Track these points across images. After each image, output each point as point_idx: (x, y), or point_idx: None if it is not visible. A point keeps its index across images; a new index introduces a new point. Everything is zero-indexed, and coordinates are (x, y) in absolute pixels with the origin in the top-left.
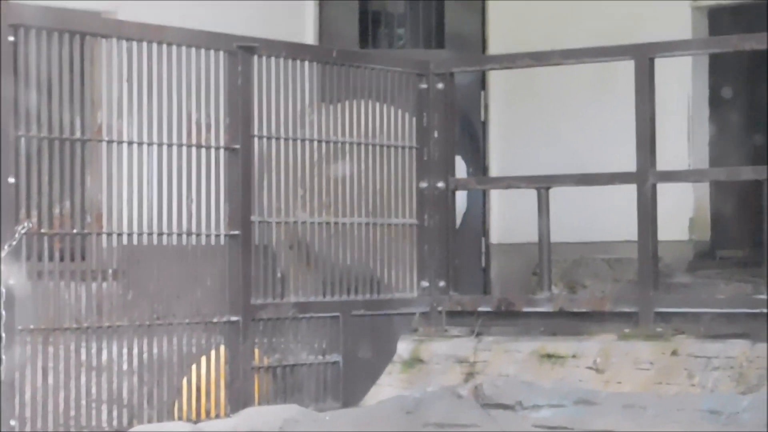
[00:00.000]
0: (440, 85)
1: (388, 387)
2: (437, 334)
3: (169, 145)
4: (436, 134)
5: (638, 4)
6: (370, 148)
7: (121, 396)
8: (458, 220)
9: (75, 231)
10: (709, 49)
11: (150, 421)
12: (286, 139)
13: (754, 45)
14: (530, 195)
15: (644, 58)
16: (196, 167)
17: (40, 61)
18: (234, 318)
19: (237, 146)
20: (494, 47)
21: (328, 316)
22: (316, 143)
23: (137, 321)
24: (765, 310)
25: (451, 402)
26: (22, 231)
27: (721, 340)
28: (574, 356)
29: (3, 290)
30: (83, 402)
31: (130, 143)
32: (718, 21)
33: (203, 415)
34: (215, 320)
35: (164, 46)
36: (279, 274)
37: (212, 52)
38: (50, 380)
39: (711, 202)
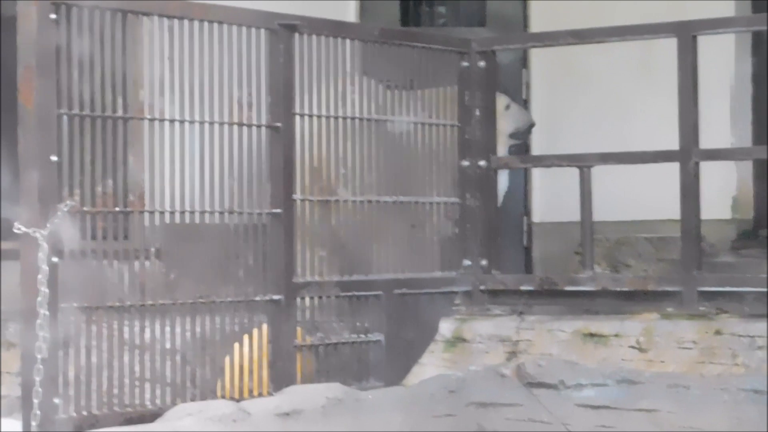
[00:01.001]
0: (482, 64)
1: (430, 366)
2: (480, 313)
3: (211, 124)
4: (477, 113)
5: None
6: (412, 125)
7: (164, 375)
8: (500, 199)
9: (117, 209)
10: (752, 27)
11: (193, 399)
12: (328, 117)
13: None
14: (572, 174)
15: (687, 35)
16: (238, 145)
17: (82, 39)
18: (276, 297)
19: (279, 124)
20: (536, 25)
21: (371, 295)
22: (357, 121)
23: (180, 300)
24: None
25: (494, 381)
26: (65, 209)
27: (765, 320)
28: (616, 336)
29: (46, 268)
30: (126, 381)
31: (171, 121)
32: (761, 3)
33: (246, 393)
34: (257, 299)
35: (206, 24)
36: (321, 253)
37: (254, 30)
38: (93, 359)
39: (754, 181)
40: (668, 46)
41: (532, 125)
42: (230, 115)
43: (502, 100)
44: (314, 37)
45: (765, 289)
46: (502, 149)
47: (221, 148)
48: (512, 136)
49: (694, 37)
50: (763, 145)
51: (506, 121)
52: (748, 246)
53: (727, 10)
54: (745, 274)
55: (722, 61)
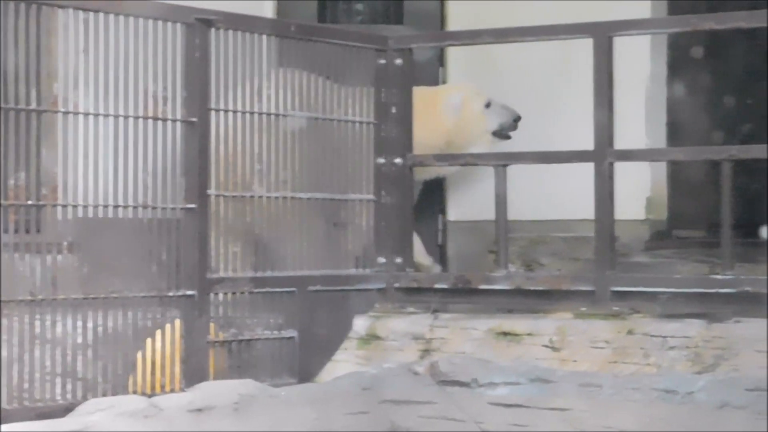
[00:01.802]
0: (399, 61)
1: (344, 363)
2: (394, 310)
3: (126, 118)
4: (394, 110)
5: None
6: (328, 122)
7: (75, 370)
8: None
9: (30, 203)
10: (667, 29)
11: (104, 394)
12: (244, 113)
13: (712, 25)
14: (488, 172)
15: (603, 36)
16: (153, 140)
17: None
18: (189, 292)
19: (194, 119)
20: (453, 24)
21: (285, 292)
22: (273, 117)
23: (92, 294)
24: (722, 290)
25: (407, 379)
26: None
27: (678, 320)
28: (530, 334)
29: None
30: (37, 375)
31: (86, 115)
32: (677, 4)
33: (158, 389)
34: (171, 294)
35: (121, 18)
36: (236, 249)
37: (170, 24)
38: (3, 353)
39: (668, 182)
40: (586, 46)
41: (517, 119)
42: (145, 109)
43: (481, 99)
44: (230, 32)
45: (677, 290)
46: (484, 148)
47: (136, 143)
48: (497, 133)
49: (610, 38)
50: (677, 147)
51: (487, 119)
52: (662, 246)
53: (644, 11)
54: (658, 274)
55: (637, 62)
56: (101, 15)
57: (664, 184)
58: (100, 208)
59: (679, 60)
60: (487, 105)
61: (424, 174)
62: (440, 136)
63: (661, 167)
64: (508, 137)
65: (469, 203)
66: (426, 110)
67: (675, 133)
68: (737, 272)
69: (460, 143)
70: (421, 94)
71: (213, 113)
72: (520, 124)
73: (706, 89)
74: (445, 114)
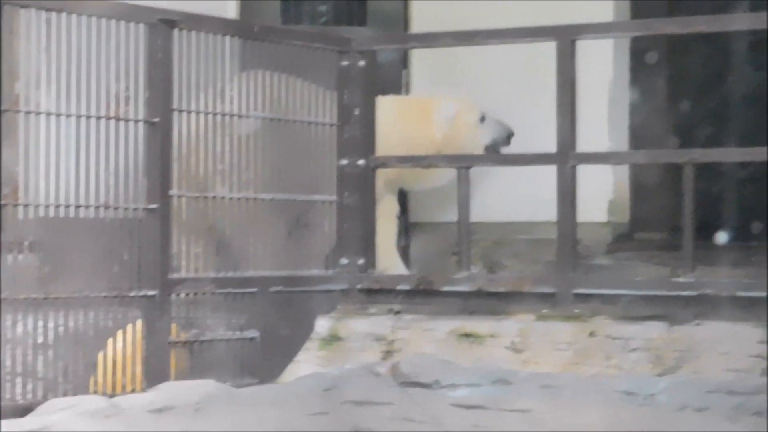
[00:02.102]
0: (362, 63)
1: (305, 364)
2: (356, 311)
3: (88, 118)
4: (357, 112)
5: None
6: (291, 124)
7: (36, 369)
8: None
9: None
10: (630, 33)
11: (65, 394)
12: (206, 114)
13: (675, 29)
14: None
15: (566, 39)
16: (115, 140)
17: None
18: (151, 292)
19: (156, 120)
20: (417, 26)
21: (247, 292)
22: (236, 118)
23: (53, 294)
24: (683, 293)
25: (368, 380)
26: None
27: (639, 322)
28: (492, 336)
29: None
30: None
31: (48, 114)
32: (639, 7)
33: (119, 389)
34: (132, 294)
35: (84, 18)
36: (197, 249)
37: (132, 24)
38: None
39: (630, 185)
40: (550, 49)
41: (510, 135)
42: (107, 109)
43: (475, 113)
44: (193, 32)
45: (639, 292)
46: None
47: (97, 143)
48: (489, 148)
49: (573, 42)
50: (639, 150)
51: (481, 133)
52: (624, 249)
53: (606, 12)
54: (619, 276)
55: (600, 65)
56: (63, 15)
57: (626, 186)
58: (62, 208)
59: (641, 64)
60: (482, 119)
61: (417, 185)
62: (430, 147)
63: (623, 170)
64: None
65: (431, 205)
66: (417, 120)
67: (637, 136)
68: (698, 275)
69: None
70: (412, 103)
71: (175, 114)
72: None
73: (669, 93)
74: (437, 125)
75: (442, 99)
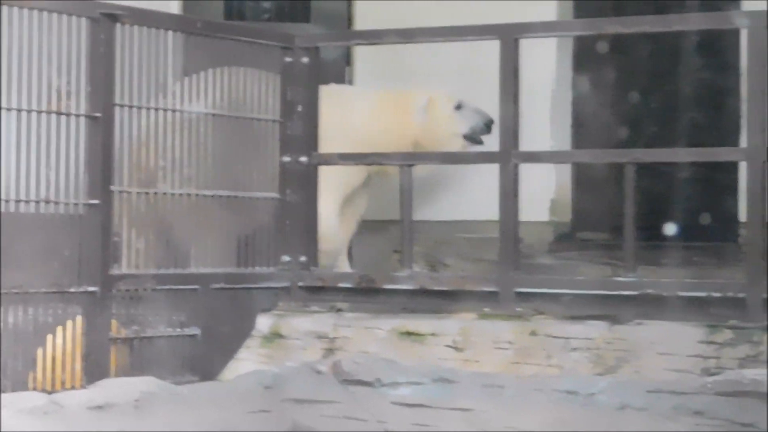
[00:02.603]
0: (305, 60)
1: (246, 361)
2: (297, 309)
3: (29, 112)
4: (300, 108)
5: None
6: (234, 120)
7: None
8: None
9: None
10: (574, 32)
11: (4, 391)
12: (149, 109)
13: (619, 29)
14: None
15: (509, 38)
16: (56, 135)
17: None
18: (91, 288)
19: (98, 114)
20: (361, 23)
21: (188, 289)
22: (178, 114)
23: None
24: (624, 292)
25: (310, 378)
26: None
27: (580, 322)
28: (434, 334)
29: None
30: None
31: None
32: (583, 6)
33: (58, 385)
34: (72, 290)
35: (26, 11)
36: (138, 245)
37: (74, 18)
38: None
39: (572, 185)
40: (493, 48)
41: (490, 122)
42: (48, 103)
43: (450, 101)
44: (136, 27)
45: (580, 291)
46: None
47: (39, 137)
48: (468, 137)
49: (516, 40)
50: (581, 149)
51: (458, 121)
52: (565, 248)
53: (550, 10)
54: (561, 276)
55: (544, 64)
56: (5, 7)
57: (568, 186)
58: (2, 203)
59: (584, 62)
60: (458, 107)
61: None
62: (407, 140)
63: (566, 169)
64: (480, 142)
65: (373, 202)
66: (393, 114)
67: (579, 135)
68: (640, 275)
69: (428, 147)
70: (387, 97)
71: (117, 109)
72: None
73: (611, 92)
74: (412, 117)
75: (417, 91)
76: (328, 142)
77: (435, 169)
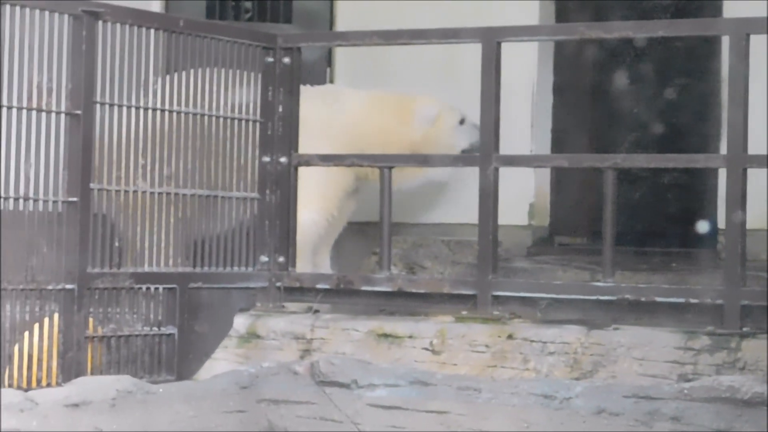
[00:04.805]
0: (287, 60)
1: (223, 361)
2: (275, 310)
3: (9, 108)
4: (280, 109)
5: None
6: (214, 119)
7: None
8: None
9: None
10: (555, 36)
11: None
12: (129, 107)
13: (600, 34)
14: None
15: (491, 41)
16: (36, 132)
17: None
18: (69, 286)
19: (78, 112)
20: (342, 24)
21: (165, 288)
22: (159, 112)
23: None
24: (602, 297)
25: (286, 378)
26: None
27: (557, 326)
28: (411, 337)
29: None
30: None
31: None
32: (564, 11)
33: (34, 383)
34: (50, 288)
35: (7, 7)
36: (116, 244)
37: (56, 15)
38: None
39: (551, 189)
40: (474, 51)
41: None
42: (29, 100)
43: (455, 115)
44: (118, 25)
45: (558, 296)
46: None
47: (18, 134)
48: (465, 152)
49: (498, 44)
50: (561, 154)
51: (459, 136)
52: (544, 252)
53: (532, 13)
54: (539, 280)
55: (525, 68)
56: None
57: (547, 190)
58: None
59: (565, 67)
60: (461, 122)
61: (405, 183)
62: (406, 147)
63: (545, 173)
64: None
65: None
66: (392, 119)
67: (559, 140)
68: (617, 280)
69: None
70: (385, 101)
71: (98, 106)
72: None
73: (592, 97)
74: (417, 124)
75: (423, 98)
76: (323, 142)
77: (426, 180)
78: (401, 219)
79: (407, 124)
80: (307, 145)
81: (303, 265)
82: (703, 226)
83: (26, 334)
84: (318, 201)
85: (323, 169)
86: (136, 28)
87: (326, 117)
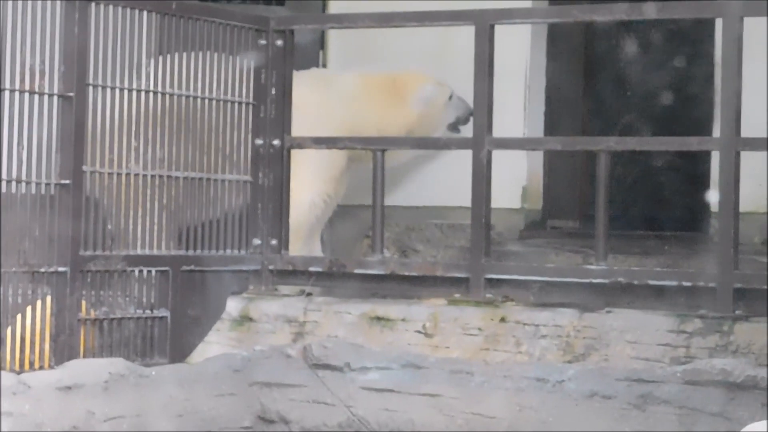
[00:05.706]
0: (279, 42)
1: (216, 345)
2: (267, 293)
3: (1, 90)
4: (273, 91)
5: None
6: (207, 102)
7: None
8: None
9: None
10: (549, 19)
11: None
12: (122, 90)
13: (594, 17)
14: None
15: (485, 24)
16: (28, 114)
17: None
18: (62, 269)
19: (71, 94)
20: (335, 7)
21: (158, 270)
22: (152, 95)
23: None
24: (594, 281)
25: (279, 362)
26: None
27: (550, 309)
28: (403, 320)
29: None
30: None
31: None
32: None
33: (27, 366)
34: (42, 270)
35: None
36: (109, 226)
37: None
38: None
39: (544, 172)
40: (467, 33)
41: (471, 113)
42: (21, 82)
43: (445, 91)
44: (110, 7)
45: (550, 279)
46: None
47: (11, 116)
48: (450, 126)
49: (492, 26)
50: (554, 137)
51: (448, 111)
52: (536, 236)
53: None
54: (531, 263)
55: (518, 51)
56: None
57: (540, 173)
58: None
59: (558, 50)
60: (450, 97)
61: (393, 161)
62: (403, 127)
63: (538, 157)
64: (458, 131)
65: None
66: (387, 98)
67: (553, 123)
68: (610, 263)
69: (419, 135)
70: (377, 81)
71: (91, 89)
72: None
73: (585, 80)
74: (412, 103)
75: (413, 75)
76: (319, 128)
77: (414, 156)
78: (394, 202)
79: (402, 103)
80: (303, 131)
81: (300, 248)
82: (696, 210)
83: (19, 316)
84: (316, 183)
85: (319, 151)
86: (128, 10)
87: (318, 102)
